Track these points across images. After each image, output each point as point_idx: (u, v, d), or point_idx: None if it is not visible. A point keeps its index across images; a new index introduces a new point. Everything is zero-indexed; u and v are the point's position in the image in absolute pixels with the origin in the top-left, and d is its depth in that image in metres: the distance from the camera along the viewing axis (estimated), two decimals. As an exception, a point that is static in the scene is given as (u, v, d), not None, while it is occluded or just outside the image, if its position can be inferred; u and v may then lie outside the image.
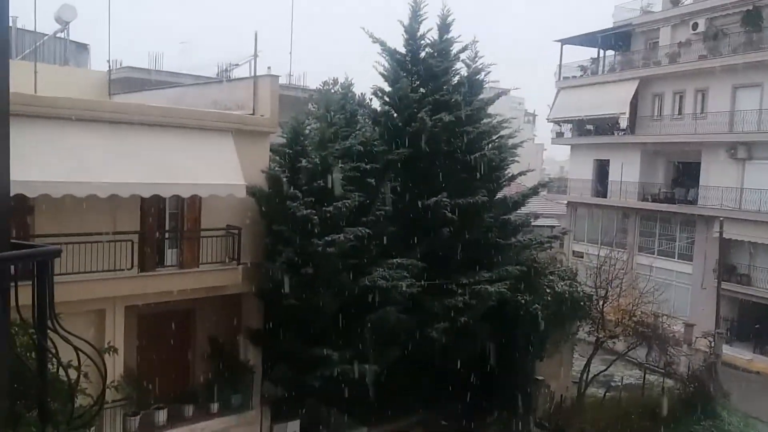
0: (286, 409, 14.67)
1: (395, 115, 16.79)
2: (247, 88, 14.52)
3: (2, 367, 2.21)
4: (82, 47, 22.76)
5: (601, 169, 35.74)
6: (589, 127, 36.68)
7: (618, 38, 35.43)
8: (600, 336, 19.72)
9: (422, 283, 14.93)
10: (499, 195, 17.73)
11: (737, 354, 26.12)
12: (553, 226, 25.35)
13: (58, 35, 20.08)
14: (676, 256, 31.67)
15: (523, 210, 18.60)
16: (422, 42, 17.24)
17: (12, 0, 2.48)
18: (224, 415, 13.89)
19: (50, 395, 2.37)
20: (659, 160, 33.17)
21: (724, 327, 25.66)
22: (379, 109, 17.47)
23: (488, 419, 16.97)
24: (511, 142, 17.87)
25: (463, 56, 17.48)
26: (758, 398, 21.84)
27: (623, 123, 33.79)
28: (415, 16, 17.06)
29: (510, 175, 18.00)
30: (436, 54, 17.20)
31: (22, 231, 10.61)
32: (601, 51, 36.42)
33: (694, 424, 19.09)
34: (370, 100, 18.34)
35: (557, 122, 38.52)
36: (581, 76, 37.22)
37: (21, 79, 12.56)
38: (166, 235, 13.32)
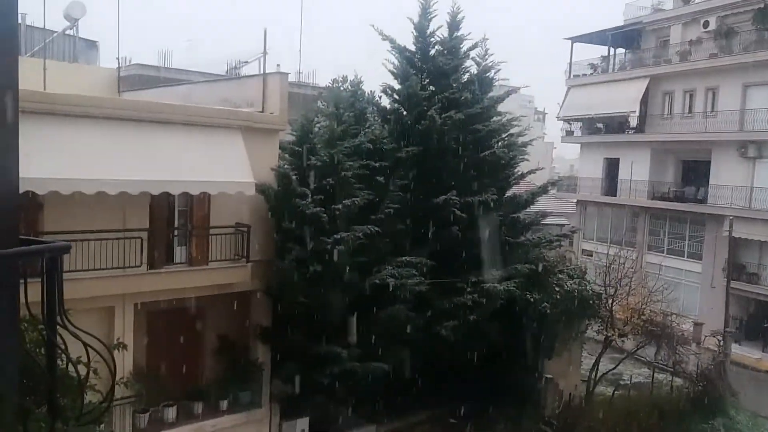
0: (295, 407, 14.68)
1: (404, 112, 16.75)
2: (256, 86, 14.52)
3: (12, 363, 2.20)
4: (92, 44, 22.85)
5: (611, 168, 35.55)
6: (599, 125, 36.48)
7: (628, 36, 35.19)
8: (609, 334, 19.64)
9: (431, 281, 14.89)
10: (509, 193, 17.68)
11: (746, 353, 25.98)
12: (563, 225, 25.25)
13: (67, 32, 20.16)
14: (686, 255, 31.47)
15: (533, 208, 18.52)
16: (432, 39, 17.20)
17: (22, -5, 2.47)
18: (233, 413, 13.92)
19: (59, 391, 2.36)
20: (669, 158, 32.96)
21: (733, 326, 25.51)
22: (388, 106, 17.44)
23: (497, 417, 16.92)
24: (520, 140, 17.81)
25: (472, 54, 17.46)
26: (767, 397, 21.68)
27: (633, 121, 33.61)
28: (425, 14, 17.02)
29: (519, 173, 17.95)
30: (445, 51, 17.16)
31: (32, 228, 10.66)
32: (612, 49, 36.20)
33: (702, 423, 19.01)
34: (380, 97, 18.31)
35: (567, 120, 38.33)
36: (591, 74, 37.02)
37: (30, 76, 12.64)
38: (176, 233, 13.34)
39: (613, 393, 20.18)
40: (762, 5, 28.41)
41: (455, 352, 15.40)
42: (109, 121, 11.77)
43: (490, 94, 17.50)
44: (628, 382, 21.92)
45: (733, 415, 19.63)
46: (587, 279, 18.72)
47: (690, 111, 31.62)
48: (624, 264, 20.79)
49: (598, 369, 19.60)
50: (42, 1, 13.93)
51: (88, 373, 2.39)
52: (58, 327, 2.31)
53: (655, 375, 21.73)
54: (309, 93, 21.49)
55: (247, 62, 20.69)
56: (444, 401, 16.51)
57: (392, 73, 17.15)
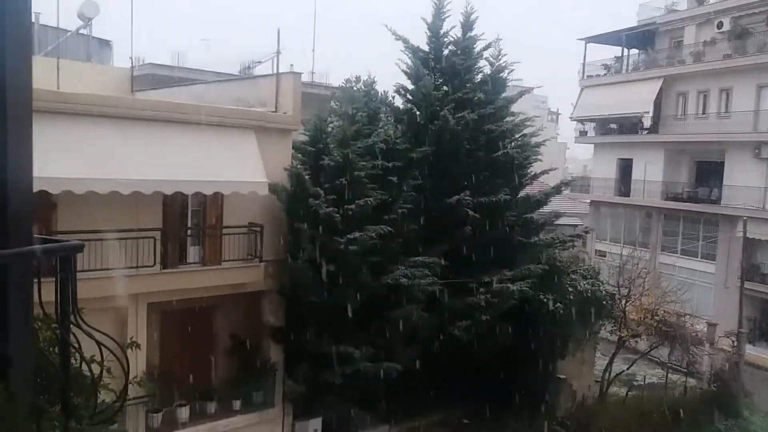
0: (307, 407, 14.67)
1: (418, 112, 16.71)
2: (269, 86, 14.53)
3: (26, 362, 2.19)
4: (105, 44, 23.00)
5: (625, 168, 35.35)
6: (613, 125, 36.31)
7: (642, 37, 34.98)
8: (622, 335, 19.55)
9: (444, 281, 14.84)
10: (522, 193, 17.57)
11: (760, 353, 25.78)
12: (576, 225, 25.04)
13: (80, 32, 20.30)
14: (699, 256, 31.19)
15: (546, 209, 18.41)
16: (445, 40, 17.16)
17: (36, -5, 2.45)
18: (246, 413, 13.93)
19: (73, 390, 2.34)
20: (683, 159, 32.71)
21: (747, 326, 25.26)
22: (401, 106, 17.41)
23: (510, 418, 16.83)
24: (534, 140, 17.71)
25: (486, 54, 17.38)
26: (782, 398, 21.44)
27: (647, 122, 33.44)
28: (439, 14, 16.99)
29: (533, 173, 17.84)
30: (459, 52, 17.10)
31: (45, 227, 10.72)
32: (625, 50, 36.02)
33: (716, 424, 18.85)
34: (393, 98, 18.29)
35: (581, 121, 38.16)
36: (605, 74, 36.84)
37: (44, 75, 12.70)
38: (189, 232, 13.37)
39: (627, 394, 20.08)
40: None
41: (468, 353, 15.33)
42: (123, 121, 11.82)
43: (504, 95, 17.41)
44: (642, 383, 21.78)
45: (747, 416, 19.49)
46: (601, 279, 18.61)
47: (704, 112, 31.38)
48: (637, 264, 20.69)
49: (611, 369, 19.50)
50: (56, 0, 14.04)
51: (101, 372, 2.37)
52: (71, 326, 2.30)
53: (669, 376, 21.61)
54: (322, 93, 21.49)
55: (260, 62, 20.75)
56: (457, 401, 16.44)
57: (405, 73, 17.11)
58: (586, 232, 22.30)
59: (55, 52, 14.57)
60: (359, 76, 21.70)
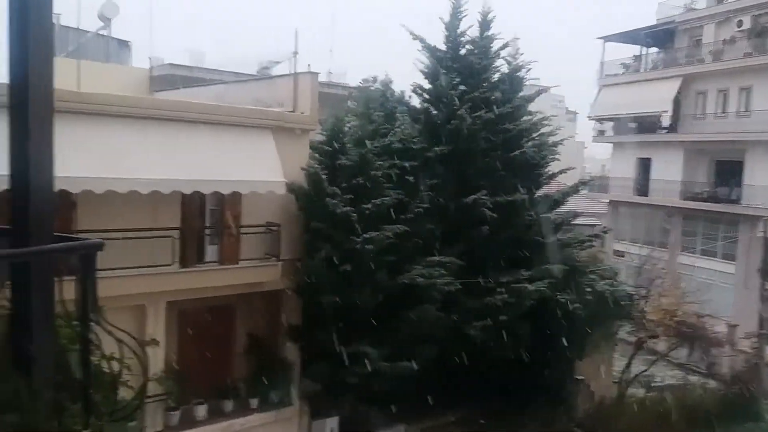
0: (324, 406, 14.70)
1: (435, 112, 16.66)
2: (287, 86, 14.57)
3: (47, 359, 2.20)
4: (124, 44, 23.24)
5: (643, 168, 34.98)
6: (631, 125, 35.93)
7: (661, 35, 34.61)
8: (641, 336, 19.34)
9: (461, 280, 14.77)
10: (539, 193, 17.45)
11: (781, 355, 25.20)
12: (594, 225, 24.84)
13: (100, 32, 20.52)
14: (719, 256, 30.74)
15: (564, 208, 18.26)
16: (462, 39, 17.09)
17: (56, -2, 2.47)
18: (263, 411, 13.98)
19: (93, 387, 2.36)
20: (702, 158, 32.29)
21: (768, 327, 24.82)
22: (418, 106, 17.37)
23: (527, 418, 16.72)
24: (551, 139, 17.57)
25: (503, 53, 17.29)
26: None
27: (666, 121, 33.07)
28: (456, 14, 16.93)
29: (550, 173, 17.73)
30: (476, 51, 17.02)
31: (65, 226, 10.81)
32: (644, 48, 35.63)
33: (737, 427, 18.61)
34: (410, 97, 18.26)
35: (599, 120, 37.84)
36: (623, 73, 36.49)
37: (64, 76, 12.85)
38: (207, 231, 13.46)
39: (646, 395, 19.84)
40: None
41: (485, 353, 15.25)
42: (142, 121, 11.92)
43: (521, 94, 17.31)
44: (661, 384, 21.52)
45: (767, 419, 19.15)
46: (619, 280, 18.42)
47: (723, 111, 30.96)
48: (656, 265, 20.47)
49: (630, 371, 19.28)
50: (76, 1, 14.21)
51: (121, 369, 2.39)
52: (91, 323, 2.31)
53: (688, 377, 21.36)
54: (339, 93, 21.54)
55: (278, 62, 20.82)
56: (473, 401, 16.36)
57: (422, 72, 17.08)
58: (605, 232, 22.08)
59: (75, 53, 14.77)
60: (376, 76, 21.70)
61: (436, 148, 15.78)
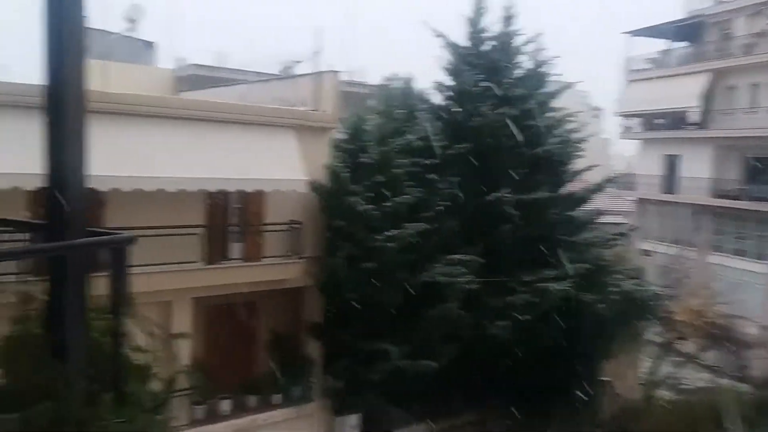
0: (345, 403, 14.76)
1: (456, 109, 16.59)
2: (309, 85, 14.68)
3: (81, 350, 2.27)
4: (150, 45, 23.59)
5: (671, 165, 34.35)
6: (659, 121, 35.32)
7: (689, 29, 33.91)
8: (669, 337, 19.03)
9: (482, 279, 14.70)
10: (564, 191, 17.25)
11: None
12: (620, 224, 24.45)
13: (126, 34, 20.86)
14: (750, 256, 30.01)
15: (589, 206, 18.03)
16: (485, 35, 16.98)
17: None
18: (285, 407, 14.12)
19: (124, 378, 2.42)
20: (733, 155, 31.57)
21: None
22: (440, 103, 17.32)
23: (550, 419, 16.57)
24: (576, 136, 17.35)
25: (526, 49, 17.10)
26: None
27: (694, 117, 32.42)
28: (478, 10, 16.83)
29: (575, 170, 17.50)
30: (499, 47, 16.90)
31: (94, 224, 11.04)
32: (671, 43, 34.97)
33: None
34: (431, 94, 18.19)
35: (625, 116, 37.27)
36: (650, 68, 35.86)
37: (92, 76, 13.09)
38: (231, 229, 13.63)
39: (673, 398, 19.50)
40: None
41: (507, 352, 15.15)
42: (168, 120, 12.12)
43: (545, 90, 17.13)
44: (689, 387, 21.12)
45: (801, 423, 18.66)
46: (646, 279, 18.14)
47: (755, 106, 30.22)
48: (684, 264, 20.11)
49: (657, 372, 18.97)
50: (103, 3, 14.50)
51: (151, 361, 2.44)
52: (123, 316, 2.37)
53: (718, 380, 20.86)
54: (360, 91, 21.57)
55: (300, 61, 20.95)
56: (495, 401, 16.28)
57: (444, 69, 17.02)
58: (631, 231, 21.76)
59: (102, 54, 15.06)
60: (397, 74, 21.65)
61: (458, 146, 15.71)
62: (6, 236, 2.77)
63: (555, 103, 17.38)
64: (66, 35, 2.35)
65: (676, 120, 33.93)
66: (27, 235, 2.94)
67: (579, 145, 17.28)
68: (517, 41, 17.04)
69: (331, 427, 14.93)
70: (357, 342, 13.63)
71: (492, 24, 16.99)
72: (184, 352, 12.11)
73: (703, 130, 32.26)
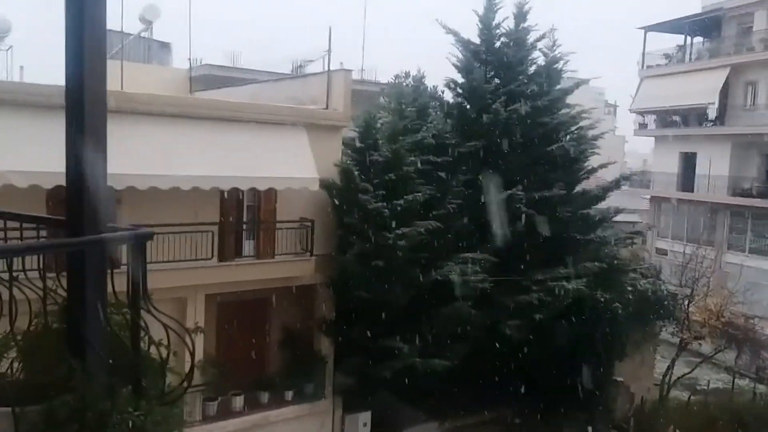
0: (357, 400, 14.81)
1: (468, 106, 16.56)
2: (320, 83, 14.71)
3: (101, 343, 2.31)
4: (165, 46, 23.78)
5: (688, 162, 33.96)
6: (675, 117, 34.93)
7: (707, 24, 33.46)
8: (684, 337, 18.82)
9: (495, 278, 14.66)
10: (578, 188, 17.15)
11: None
12: (635, 222, 24.29)
13: (142, 35, 21.04)
14: (770, 255, 29.66)
15: (604, 204, 17.90)
16: (497, 32, 16.92)
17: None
18: (298, 403, 14.20)
19: (142, 372, 2.46)
20: (751, 152, 31.14)
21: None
22: (451, 101, 17.29)
23: (564, 419, 16.50)
24: (590, 133, 17.23)
25: (540, 45, 17.04)
26: None
27: (712, 113, 31.98)
28: (491, 6, 16.77)
29: (589, 167, 17.38)
30: (511, 43, 16.83)
31: (111, 221, 11.16)
32: (688, 38, 34.54)
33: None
34: (443, 92, 18.17)
35: (640, 113, 36.89)
36: (666, 64, 35.46)
37: (109, 77, 13.24)
38: (244, 227, 13.73)
39: (689, 398, 19.30)
40: None
41: (521, 352, 15.10)
42: (182, 119, 12.23)
43: (558, 86, 17.02)
44: (706, 388, 20.90)
45: (821, 425, 18.37)
46: (662, 279, 17.98)
47: (775, 102, 29.80)
48: (701, 263, 19.88)
49: (672, 373, 18.80)
50: (119, 4, 14.66)
51: (168, 354, 2.49)
52: (141, 310, 2.42)
53: (736, 381, 20.61)
54: (371, 89, 21.57)
55: (311, 60, 21.00)
56: (508, 400, 16.24)
57: (456, 66, 16.99)
58: (647, 229, 21.59)
59: (118, 55, 15.22)
60: (408, 72, 21.67)
61: (470, 143, 15.68)
62: (26, 233, 2.82)
63: (569, 100, 17.28)
64: (87, 38, 2.41)
65: (692, 116, 33.54)
66: (45, 232, 3.00)
67: (593, 142, 17.17)
68: (530, 38, 16.95)
69: (342, 424, 14.98)
70: (368, 339, 13.66)
71: (504, 20, 16.92)
72: (198, 348, 12.22)
73: (720, 126, 31.84)
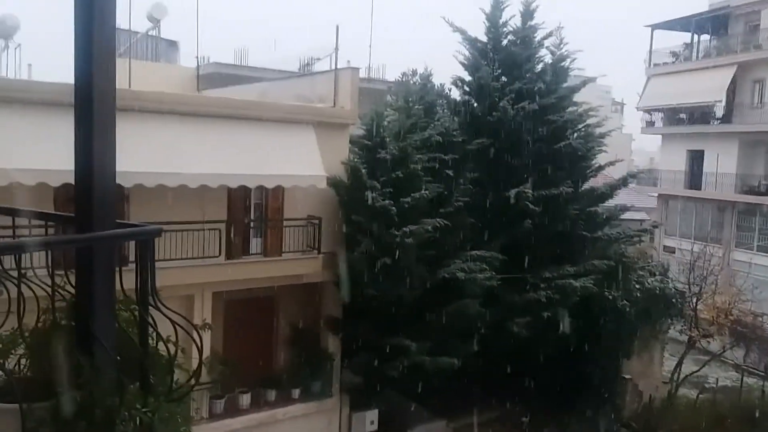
0: (364, 398, 14.81)
1: (475, 104, 16.53)
2: (328, 81, 14.70)
3: (109, 339, 2.31)
4: (173, 44, 23.82)
5: (695, 160, 33.79)
6: (682, 115, 34.75)
7: (714, 22, 33.27)
8: (693, 335, 18.75)
9: (502, 275, 14.63)
10: (585, 186, 17.10)
11: None
12: (643, 220, 24.17)
13: (149, 33, 21.08)
14: (778, 252, 29.47)
15: (611, 202, 17.84)
16: (504, 30, 16.89)
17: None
18: (305, 401, 14.21)
19: (150, 368, 2.46)
20: (759, 150, 30.95)
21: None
22: (458, 98, 17.26)
23: (571, 417, 16.46)
24: (598, 131, 17.19)
25: (547, 43, 17.00)
26: None
27: (719, 111, 31.83)
28: (498, 4, 16.73)
29: (597, 165, 17.34)
30: (518, 41, 16.79)
31: (118, 218, 11.20)
32: (695, 36, 34.34)
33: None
34: (450, 90, 18.13)
35: (647, 111, 36.72)
36: (673, 62, 35.28)
37: (117, 75, 13.28)
38: (251, 225, 13.74)
39: (698, 396, 19.22)
40: None
41: (528, 349, 15.07)
42: (190, 117, 12.25)
43: (566, 84, 16.98)
44: (714, 386, 20.81)
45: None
46: (669, 276, 17.90)
47: (783, 99, 29.60)
48: (709, 261, 19.80)
49: (680, 370, 18.73)
50: (128, 3, 14.70)
51: (176, 351, 2.48)
52: (149, 307, 2.42)
53: (745, 379, 20.51)
54: (379, 87, 21.55)
55: (318, 59, 20.98)
56: (516, 398, 16.21)
57: (463, 64, 16.97)
58: (654, 227, 21.50)
59: (126, 53, 15.27)
60: (416, 69, 21.63)
61: (477, 141, 15.65)
62: (34, 231, 2.83)
63: (576, 98, 17.23)
64: (96, 36, 2.42)
65: (700, 114, 33.36)
66: (54, 229, 3.01)
67: (601, 140, 17.12)
68: (537, 36, 16.90)
69: (349, 422, 14.99)
70: (376, 337, 13.65)
71: (511, 18, 16.89)
72: (205, 345, 12.25)
73: (727, 124, 31.68)
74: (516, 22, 16.92)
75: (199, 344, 2.53)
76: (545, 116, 16.00)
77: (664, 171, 35.73)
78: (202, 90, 19.15)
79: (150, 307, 2.44)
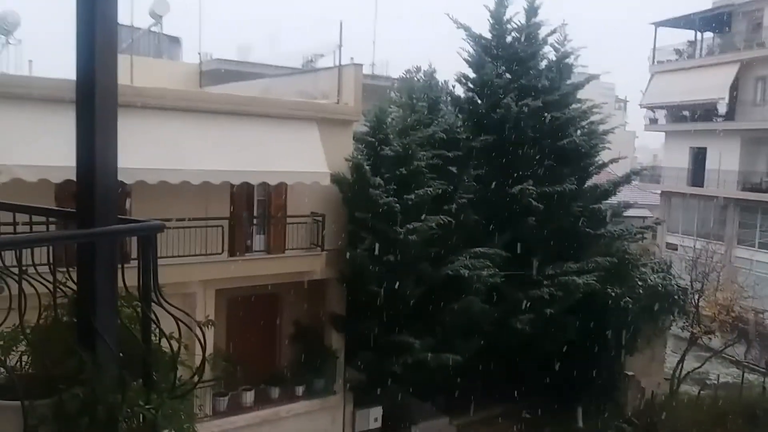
0: (368, 395, 14.81)
1: (479, 101, 16.50)
2: (331, 78, 14.67)
3: (112, 336, 2.29)
4: (175, 40, 23.81)
5: (698, 158, 33.73)
6: (685, 113, 34.68)
7: (717, 20, 33.17)
8: (695, 331, 18.75)
9: (506, 272, 14.62)
10: (589, 183, 17.09)
11: None
12: (646, 217, 24.14)
13: (152, 29, 21.08)
14: (780, 249, 29.39)
15: (614, 199, 17.81)
16: (508, 26, 16.85)
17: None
18: (308, 399, 14.21)
19: (153, 365, 2.45)
20: (761, 147, 30.88)
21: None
22: (462, 95, 17.22)
23: (575, 413, 16.45)
24: (601, 128, 17.16)
25: (551, 40, 16.95)
26: None
27: (722, 109, 31.76)
28: (502, 1, 16.68)
29: (600, 162, 17.32)
30: (522, 38, 16.75)
31: (120, 215, 11.19)
32: (699, 33, 34.25)
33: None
34: (454, 87, 18.10)
35: (651, 108, 36.65)
36: (677, 59, 35.19)
37: (119, 71, 13.26)
38: (254, 221, 13.72)
39: (699, 393, 19.25)
40: None
41: (531, 346, 15.07)
42: (192, 114, 12.21)
43: (569, 81, 16.94)
44: (716, 382, 20.82)
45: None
46: (672, 273, 17.89)
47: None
48: (711, 258, 19.79)
49: (682, 367, 18.73)
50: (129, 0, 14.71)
51: (179, 347, 2.47)
52: (152, 303, 2.40)
53: (746, 375, 20.52)
54: (383, 84, 21.53)
55: (322, 55, 20.95)
56: (519, 395, 16.21)
57: (467, 61, 16.93)
58: (657, 224, 21.47)
59: (129, 49, 15.25)
60: (419, 66, 21.59)
61: (481, 138, 15.62)
62: (36, 227, 2.81)
63: (580, 95, 17.19)
64: (98, 32, 2.40)
65: (703, 112, 33.29)
66: (55, 225, 2.99)
67: (604, 137, 17.10)
68: (541, 33, 16.85)
69: (353, 419, 14.99)
70: (379, 334, 13.65)
71: (515, 15, 16.84)
72: (208, 343, 12.24)
73: (731, 122, 31.62)
74: (520, 19, 16.88)
75: (202, 341, 2.51)
76: (549, 113, 15.96)
77: (666, 168, 35.68)
78: (205, 86, 19.16)
79: (153, 304, 2.42)
